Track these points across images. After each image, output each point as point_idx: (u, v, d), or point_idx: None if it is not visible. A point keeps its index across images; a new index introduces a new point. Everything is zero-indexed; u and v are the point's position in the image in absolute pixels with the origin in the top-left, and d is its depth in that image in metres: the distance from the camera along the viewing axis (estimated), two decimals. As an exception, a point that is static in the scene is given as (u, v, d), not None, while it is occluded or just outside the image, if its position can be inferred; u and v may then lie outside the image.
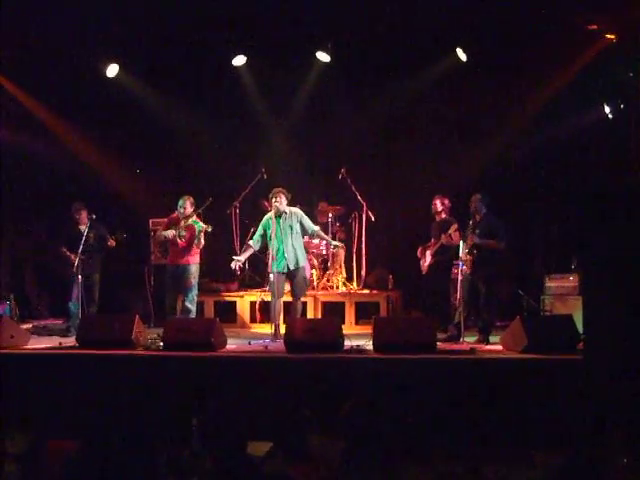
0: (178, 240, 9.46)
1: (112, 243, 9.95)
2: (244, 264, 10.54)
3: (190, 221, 9.49)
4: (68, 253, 9.83)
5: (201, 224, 9.43)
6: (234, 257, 9.57)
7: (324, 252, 11.33)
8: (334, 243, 10.17)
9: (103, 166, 12.03)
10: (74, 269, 9.61)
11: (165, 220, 9.94)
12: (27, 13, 9.41)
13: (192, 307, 9.49)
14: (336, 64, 11.06)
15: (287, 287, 9.44)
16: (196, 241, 9.37)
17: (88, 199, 10.46)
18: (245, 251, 9.61)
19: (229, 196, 11.25)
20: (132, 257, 11.61)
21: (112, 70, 11.17)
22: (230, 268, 9.56)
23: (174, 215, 9.68)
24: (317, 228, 9.64)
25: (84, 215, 10.04)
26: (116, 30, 10.23)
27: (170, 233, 9.48)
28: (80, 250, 9.58)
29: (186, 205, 9.51)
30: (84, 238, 9.62)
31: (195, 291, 9.57)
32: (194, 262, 9.53)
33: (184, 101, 11.60)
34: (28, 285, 12.22)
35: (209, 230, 9.36)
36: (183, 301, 9.48)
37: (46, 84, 11.07)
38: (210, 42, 10.68)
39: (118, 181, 12.10)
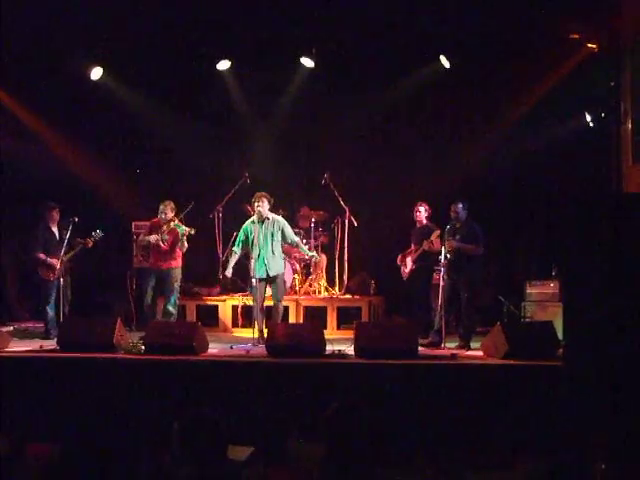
0: (161, 244, 9.46)
1: (89, 243, 9.84)
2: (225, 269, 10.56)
3: (172, 225, 9.50)
4: (48, 259, 9.67)
5: (184, 227, 9.43)
6: (225, 274, 9.70)
7: (306, 257, 11.33)
8: (310, 253, 10.16)
9: (85, 169, 11.95)
10: (54, 274, 9.60)
11: (147, 225, 9.94)
12: (9, 15, 9.36)
13: (174, 311, 9.52)
14: (320, 70, 11.09)
15: (269, 291, 9.44)
16: (180, 244, 9.38)
17: (70, 202, 10.40)
18: (231, 259, 9.58)
19: (212, 200, 11.24)
20: (114, 260, 11.55)
21: (96, 73, 11.13)
22: (212, 272, 9.56)
23: (155, 220, 9.68)
24: (297, 239, 9.66)
25: (56, 215, 9.92)
26: (100, 33, 10.21)
27: (153, 237, 9.49)
28: (62, 252, 9.55)
29: (167, 210, 9.54)
30: (66, 241, 9.57)
31: (177, 295, 9.60)
32: (177, 266, 9.57)
33: (168, 105, 11.59)
34: (9, 287, 12.12)
35: (192, 233, 9.36)
36: (165, 304, 9.49)
37: (28, 86, 11.01)
38: (195, 46, 10.69)
39: (100, 184, 12.02)
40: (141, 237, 9.91)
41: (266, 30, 10.21)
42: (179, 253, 9.55)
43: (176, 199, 9.76)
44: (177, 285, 9.57)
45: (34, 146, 11.48)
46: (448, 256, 8.72)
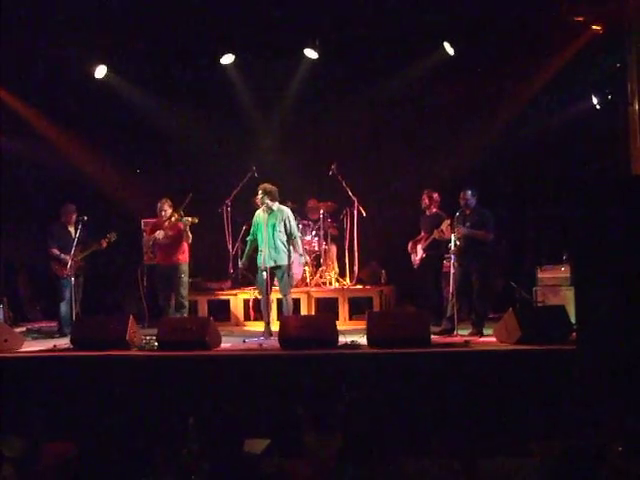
0: (166, 241, 9.60)
1: (104, 244, 9.96)
2: (236, 263, 10.65)
3: (173, 220, 9.62)
4: (62, 255, 9.85)
5: (186, 218, 9.55)
6: (241, 264, 9.87)
7: (316, 248, 11.35)
8: (302, 257, 10.17)
9: (93, 167, 12.00)
10: (67, 271, 9.64)
11: (149, 225, 10.17)
12: (12, 14, 9.37)
13: (186, 302, 9.71)
14: (324, 61, 11.06)
15: (275, 282, 9.46)
16: (184, 236, 9.51)
17: (79, 200, 10.44)
18: (247, 247, 9.61)
19: (220, 195, 11.25)
20: (124, 258, 11.58)
21: (100, 71, 11.13)
22: (222, 267, 9.60)
23: (156, 220, 9.87)
24: (296, 234, 9.60)
25: (74, 217, 10.06)
26: (104, 31, 10.20)
27: (159, 233, 9.66)
28: (72, 252, 9.63)
29: (164, 207, 9.72)
30: (75, 240, 9.64)
31: (187, 287, 9.75)
32: (184, 260, 9.73)
33: (173, 100, 11.60)
34: (21, 288, 12.18)
35: (195, 221, 9.52)
36: (176, 298, 9.63)
37: (34, 86, 11.05)
38: (198, 41, 10.67)
39: (109, 182, 12.08)
40: (146, 238, 10.06)
41: (269, 22, 10.18)
42: (185, 247, 9.71)
43: (183, 194, 9.78)
44: (186, 278, 9.72)
45: (41, 146, 11.53)
46: (457, 243, 8.70)
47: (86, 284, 10.19)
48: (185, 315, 9.63)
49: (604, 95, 10.60)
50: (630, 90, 9.85)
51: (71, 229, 10.08)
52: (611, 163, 10.22)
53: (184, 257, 9.72)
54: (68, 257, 9.72)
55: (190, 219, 9.51)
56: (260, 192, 9.29)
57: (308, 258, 10.69)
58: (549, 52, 10.52)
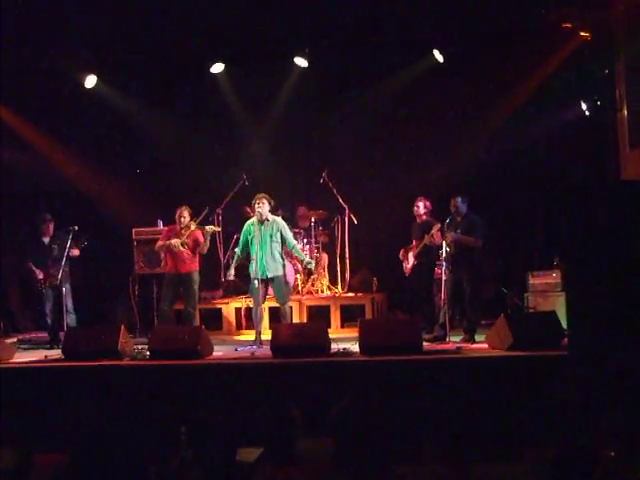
0: (182, 248, 9.46)
1: (75, 252, 9.90)
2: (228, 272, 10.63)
3: (193, 227, 9.53)
4: (33, 268, 9.84)
5: (210, 227, 9.56)
6: (228, 275, 9.81)
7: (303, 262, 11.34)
8: (306, 260, 10.02)
9: (83, 177, 11.97)
10: (41, 283, 9.72)
11: (164, 231, 9.96)
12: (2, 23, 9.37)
13: (195, 312, 9.63)
14: (314, 69, 11.09)
15: (270, 291, 9.43)
16: (202, 246, 9.48)
17: (69, 210, 10.41)
18: (233, 261, 9.62)
19: (211, 203, 11.23)
20: (116, 267, 11.55)
21: (90, 81, 11.14)
22: (214, 275, 9.57)
23: (172, 226, 9.76)
24: (294, 243, 9.64)
25: (51, 227, 9.99)
26: (94, 40, 10.21)
27: (175, 241, 9.46)
28: (48, 264, 9.67)
29: (185, 214, 9.59)
30: (49, 250, 9.64)
31: (196, 298, 9.70)
32: (196, 269, 9.63)
33: (163, 109, 11.59)
34: (12, 299, 12.13)
35: (218, 229, 9.63)
36: (185, 307, 9.57)
37: (23, 95, 11.02)
38: (188, 50, 10.68)
39: (99, 191, 12.04)
40: (159, 243, 9.73)
41: (258, 31, 10.21)
42: (197, 256, 9.62)
43: (177, 204, 9.74)
44: (197, 288, 9.66)
45: (31, 155, 11.50)
46: (448, 249, 8.72)
47: (74, 293, 10.09)
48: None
49: (593, 101, 10.66)
50: (618, 96, 9.92)
51: (45, 240, 9.99)
52: (600, 168, 10.27)
53: (195, 266, 9.60)
54: (39, 270, 9.75)
55: (213, 227, 9.52)
56: (265, 201, 9.22)
57: (313, 262, 10.56)
58: (538, 59, 10.57)
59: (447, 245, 8.74)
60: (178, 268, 9.55)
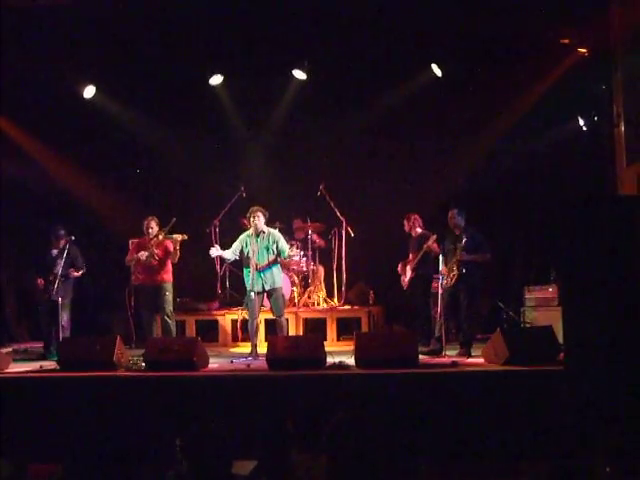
0: (152, 260, 9.42)
1: (75, 274, 9.87)
2: (224, 284, 10.72)
3: (161, 238, 9.45)
4: (39, 282, 9.76)
5: (176, 235, 9.37)
6: (216, 249, 9.49)
7: (304, 269, 11.34)
8: (288, 253, 9.90)
9: (80, 187, 11.97)
10: (40, 295, 9.72)
11: (133, 244, 9.88)
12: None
13: (171, 322, 9.50)
14: (312, 82, 11.12)
15: (267, 304, 9.42)
16: (172, 255, 9.36)
17: (66, 221, 10.39)
18: (226, 252, 9.44)
19: (209, 215, 11.25)
20: (112, 278, 11.53)
21: (89, 91, 11.16)
22: (210, 287, 9.52)
23: (140, 239, 9.68)
24: (290, 254, 9.58)
25: (61, 242, 9.86)
26: (92, 51, 10.24)
27: (143, 254, 9.40)
28: (51, 276, 9.60)
29: (152, 225, 9.51)
30: (63, 259, 9.58)
31: (171, 306, 9.56)
32: (169, 280, 9.52)
33: (162, 121, 11.60)
34: (6, 308, 12.09)
35: (185, 238, 9.34)
36: (162, 318, 9.44)
37: (22, 105, 11.02)
38: (187, 62, 10.71)
39: (96, 202, 12.03)
40: (128, 257, 9.69)
41: (257, 44, 10.25)
42: (169, 267, 9.51)
43: (170, 214, 9.69)
44: (170, 296, 9.52)
45: (29, 165, 11.48)
46: (454, 267, 8.69)
47: (71, 305, 9.99)
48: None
49: (590, 117, 10.70)
50: (616, 112, 9.97)
51: (54, 252, 9.88)
52: (598, 183, 10.30)
53: (168, 277, 9.50)
54: (40, 280, 9.71)
55: (180, 236, 9.34)
56: (259, 214, 9.20)
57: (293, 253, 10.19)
58: (536, 74, 10.62)
59: (454, 263, 8.71)
60: (150, 279, 9.49)
